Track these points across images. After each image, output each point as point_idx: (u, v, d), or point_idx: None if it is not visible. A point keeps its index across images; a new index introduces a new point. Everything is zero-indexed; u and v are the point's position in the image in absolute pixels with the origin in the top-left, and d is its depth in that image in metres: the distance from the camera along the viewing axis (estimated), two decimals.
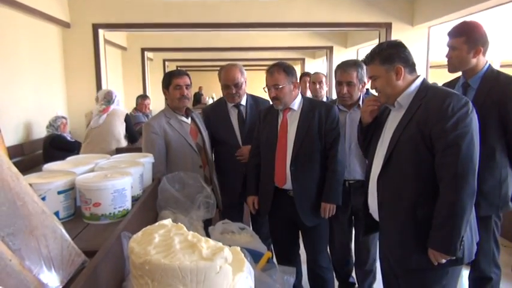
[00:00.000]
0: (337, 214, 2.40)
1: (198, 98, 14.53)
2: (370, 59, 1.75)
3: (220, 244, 0.92)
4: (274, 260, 2.37)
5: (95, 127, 4.01)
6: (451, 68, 2.21)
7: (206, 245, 0.90)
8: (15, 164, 0.94)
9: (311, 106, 2.36)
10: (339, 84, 2.50)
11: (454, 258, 1.58)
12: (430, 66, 5.90)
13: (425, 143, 1.60)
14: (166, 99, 2.59)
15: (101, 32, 4.97)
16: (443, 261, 1.59)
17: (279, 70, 2.30)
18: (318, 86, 3.85)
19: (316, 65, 10.30)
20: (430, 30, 5.67)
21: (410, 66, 1.72)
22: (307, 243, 2.51)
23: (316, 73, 4.11)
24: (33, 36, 4.33)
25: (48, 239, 0.91)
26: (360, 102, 2.51)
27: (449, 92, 1.65)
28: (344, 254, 2.75)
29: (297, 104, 2.37)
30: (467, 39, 2.09)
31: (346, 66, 2.48)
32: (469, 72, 2.17)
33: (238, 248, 0.97)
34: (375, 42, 6.21)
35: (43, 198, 1.26)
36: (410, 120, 1.65)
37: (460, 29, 2.14)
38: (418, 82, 1.72)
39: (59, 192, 1.33)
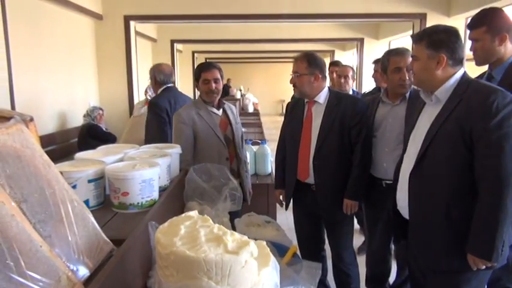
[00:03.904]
0: (373, 215, 2.33)
1: (226, 90, 14.54)
2: (418, 38, 1.67)
3: (246, 238, 0.91)
4: (298, 253, 2.35)
5: (136, 116, 4.28)
6: (478, 61, 2.13)
7: (232, 238, 0.89)
8: (48, 152, 0.96)
9: (337, 100, 2.30)
10: (397, 70, 2.22)
11: (496, 264, 1.50)
12: (466, 60, 5.64)
13: (464, 140, 1.51)
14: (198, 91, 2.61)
15: (132, 23, 5.04)
16: (483, 267, 1.50)
17: (303, 59, 2.29)
18: (343, 80, 3.67)
19: (346, 58, 10.10)
20: (467, 22, 5.40)
21: (455, 60, 1.62)
22: (331, 239, 2.48)
23: (343, 66, 3.93)
24: (67, 29, 4.44)
25: (78, 226, 0.92)
26: (407, 95, 2.27)
27: (494, 87, 1.55)
28: (380, 260, 2.50)
29: (322, 97, 2.32)
30: (488, 28, 1.99)
31: (402, 51, 2.27)
32: (495, 62, 2.07)
33: (264, 243, 0.96)
34: (408, 34, 6.00)
35: (74, 186, 1.29)
36: (448, 116, 1.56)
37: (479, 19, 2.05)
38: (458, 75, 1.62)
39: (89, 181, 1.35)
